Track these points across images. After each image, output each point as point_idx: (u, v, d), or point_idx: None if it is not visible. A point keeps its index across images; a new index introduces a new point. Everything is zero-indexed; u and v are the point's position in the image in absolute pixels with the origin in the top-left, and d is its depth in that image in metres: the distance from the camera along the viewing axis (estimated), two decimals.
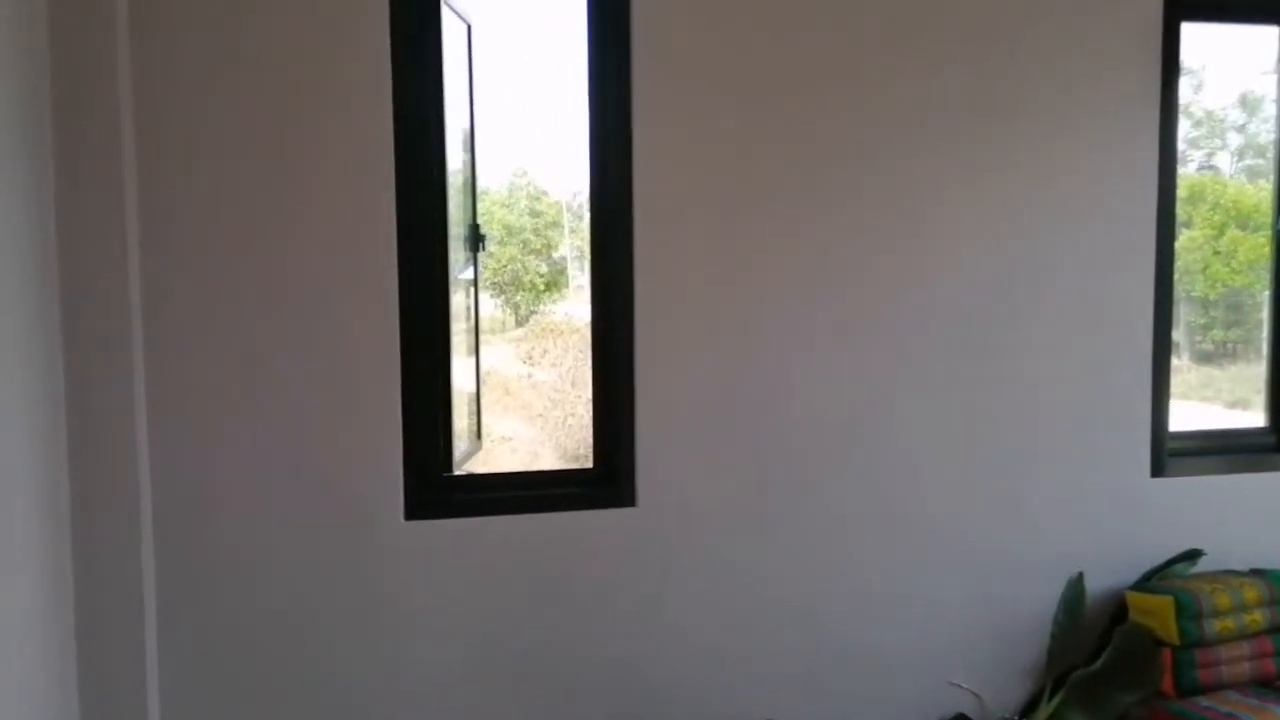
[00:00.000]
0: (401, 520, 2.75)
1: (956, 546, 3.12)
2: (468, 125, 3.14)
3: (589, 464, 2.95)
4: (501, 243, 15.30)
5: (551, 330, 13.37)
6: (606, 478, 2.92)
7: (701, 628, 2.96)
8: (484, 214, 14.91)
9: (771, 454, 2.97)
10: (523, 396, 11.99)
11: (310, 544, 2.69)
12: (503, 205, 15.63)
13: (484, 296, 15.64)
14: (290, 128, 2.61)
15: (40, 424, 2.31)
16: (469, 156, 3.15)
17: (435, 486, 2.81)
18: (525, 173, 16.11)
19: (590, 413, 2.90)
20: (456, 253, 3.02)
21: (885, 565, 3.08)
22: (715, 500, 2.94)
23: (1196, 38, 3.25)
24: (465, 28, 3.08)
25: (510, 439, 10.54)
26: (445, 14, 2.83)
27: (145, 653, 2.54)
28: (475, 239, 3.14)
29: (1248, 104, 10.89)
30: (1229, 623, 3.05)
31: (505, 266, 15.07)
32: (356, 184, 2.65)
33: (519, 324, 15.21)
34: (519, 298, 15.63)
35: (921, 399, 3.06)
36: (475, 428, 3.25)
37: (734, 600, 2.98)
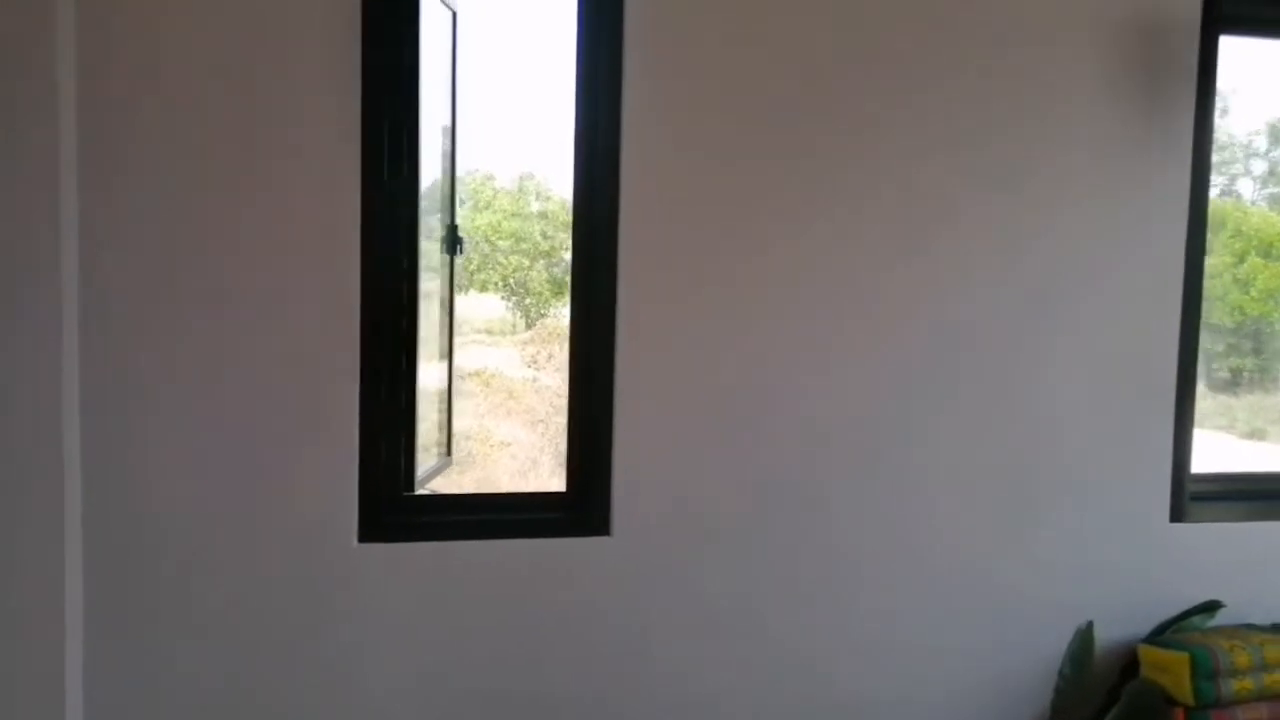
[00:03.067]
0: (354, 543, 2.54)
1: (958, 589, 2.90)
2: (450, 120, 2.94)
3: None
4: (512, 250, 15.15)
5: (558, 334, 13.19)
6: (579, 503, 2.71)
7: (682, 671, 2.75)
8: (493, 221, 14.73)
9: (761, 483, 2.76)
10: (526, 400, 11.81)
11: (253, 564, 2.49)
12: (509, 212, 15.47)
13: (495, 299, 15.56)
14: (246, 117, 2.41)
15: None
16: (449, 154, 2.96)
17: (394, 507, 2.61)
18: (534, 175, 15.97)
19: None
20: (432, 255, 2.83)
21: (881, 607, 2.86)
22: (698, 532, 2.73)
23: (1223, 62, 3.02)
24: (450, 15, 2.89)
25: (510, 444, 10.34)
26: (428, 1, 2.64)
27: (66, 680, 2.34)
28: (453, 241, 2.95)
29: (1275, 133, 10.65)
30: (1247, 682, 2.82)
31: (513, 272, 14.92)
32: (317, 179, 2.45)
33: (529, 327, 15.05)
34: (528, 301, 15.47)
35: (924, 431, 2.85)
36: (445, 442, 3.05)
37: (716, 640, 2.76)
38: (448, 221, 2.96)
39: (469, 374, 11.94)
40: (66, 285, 2.30)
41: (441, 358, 3.02)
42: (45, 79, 2.23)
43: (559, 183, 16.21)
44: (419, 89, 2.60)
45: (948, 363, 2.84)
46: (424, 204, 2.80)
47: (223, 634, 2.50)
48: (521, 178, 16.04)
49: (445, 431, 3.03)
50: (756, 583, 2.78)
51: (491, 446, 10.12)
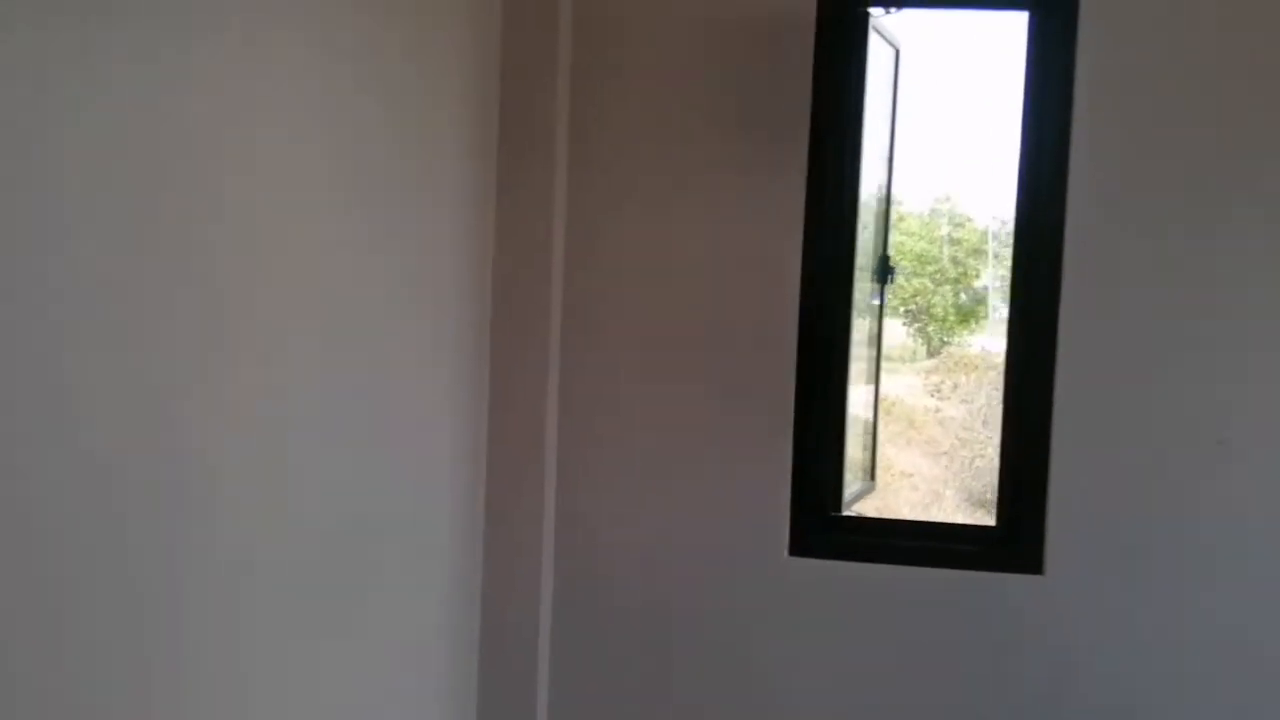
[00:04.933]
0: (785, 555, 2.68)
1: None
2: (887, 153, 3.02)
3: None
4: (914, 273, 14.90)
5: (964, 364, 12.76)
6: (1009, 538, 2.66)
7: None
8: (897, 242, 14.65)
9: (1218, 527, 2.54)
10: (928, 431, 11.55)
11: (694, 568, 2.71)
12: (917, 235, 15.20)
13: (894, 324, 15.38)
14: (706, 150, 2.65)
15: (466, 430, 2.52)
16: (886, 186, 3.04)
17: (822, 525, 2.71)
18: (949, 198, 15.57)
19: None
20: (863, 283, 2.92)
21: None
22: (1141, 579, 2.57)
23: None
24: (893, 52, 2.97)
25: (911, 475, 10.18)
26: (873, 38, 2.74)
27: (538, 663, 2.68)
28: (884, 270, 3.01)
29: None
30: None
31: (913, 296, 14.65)
32: (767, 209, 2.63)
33: (930, 354, 14.71)
34: (931, 328, 15.12)
35: None
36: (870, 465, 3.11)
37: (1150, 696, 2.58)
38: (880, 251, 3.03)
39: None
40: (554, 313, 2.65)
41: (867, 382, 3.09)
42: (546, 141, 2.59)
43: (977, 209, 15.74)
44: (863, 124, 2.70)
45: None
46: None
47: (665, 630, 2.73)
48: (936, 201, 15.72)
49: (870, 456, 3.10)
50: (1203, 640, 2.56)
51: (892, 475, 10.02)
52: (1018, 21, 2.64)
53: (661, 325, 2.69)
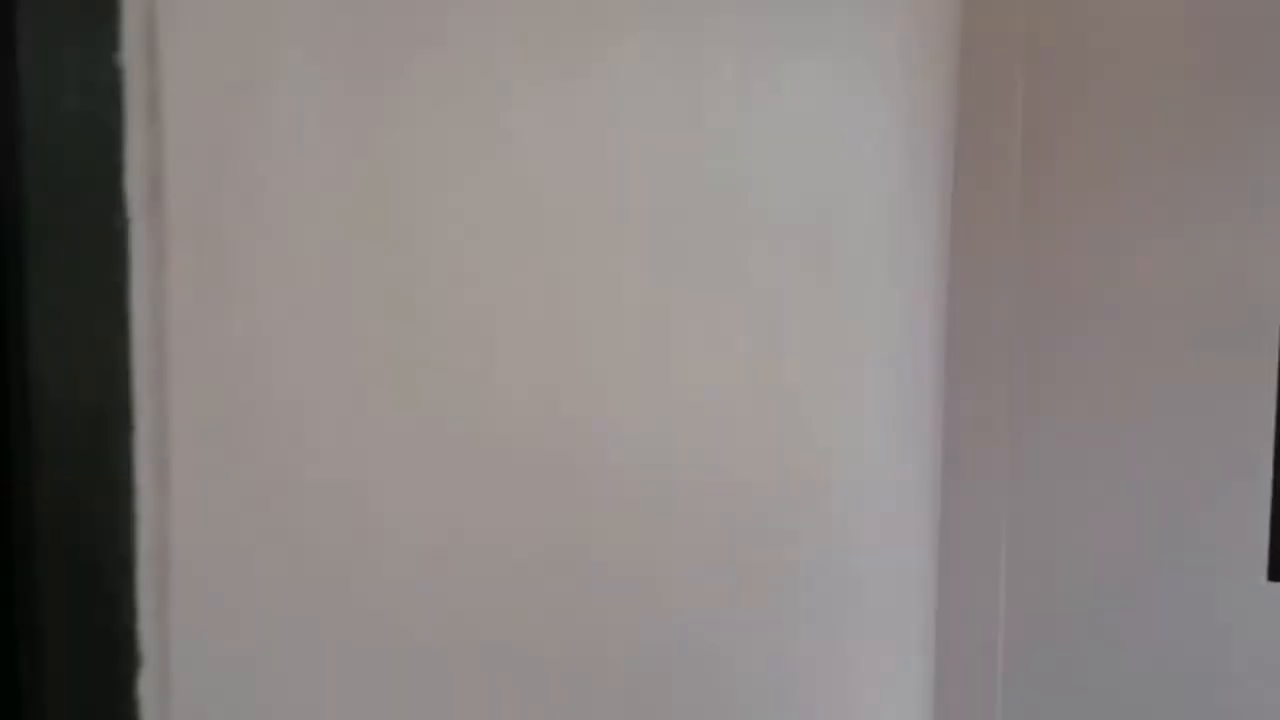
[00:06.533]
0: (1264, 581, 2.50)
1: None
2: None
3: None
4: None
5: None
6: None
7: None
8: None
9: None
10: None
11: (1160, 592, 2.55)
12: None
13: None
14: (1186, 135, 2.50)
15: (927, 442, 2.48)
16: None
17: None
18: None
19: None
20: None
21: None
22: None
23: None
24: None
25: None
26: None
27: (996, 678, 2.59)
28: None
29: None
30: None
31: None
32: (1252, 208, 2.46)
33: None
34: None
35: None
36: None
37: None
38: None
39: None
40: (1011, 322, 2.56)
41: None
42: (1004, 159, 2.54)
43: None
44: None
45: None
46: None
47: (1127, 659, 2.58)
48: None
49: None
50: None
51: None
52: None
53: (1127, 330, 2.54)
